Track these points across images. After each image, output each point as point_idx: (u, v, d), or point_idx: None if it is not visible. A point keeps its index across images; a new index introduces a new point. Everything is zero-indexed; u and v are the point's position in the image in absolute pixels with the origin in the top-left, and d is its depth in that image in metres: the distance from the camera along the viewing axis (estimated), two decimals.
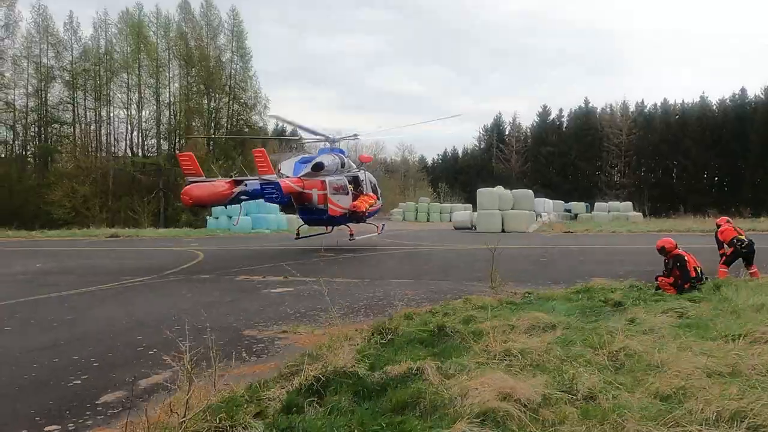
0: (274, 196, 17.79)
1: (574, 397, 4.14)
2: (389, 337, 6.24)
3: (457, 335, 6.15)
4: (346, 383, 4.56)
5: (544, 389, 4.19)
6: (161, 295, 11.42)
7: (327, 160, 20.71)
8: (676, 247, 9.34)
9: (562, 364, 5.01)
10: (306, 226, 22.61)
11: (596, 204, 53.17)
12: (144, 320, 8.63)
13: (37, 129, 57.93)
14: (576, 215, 52.21)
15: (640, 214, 49.22)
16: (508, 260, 16.89)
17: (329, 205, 20.04)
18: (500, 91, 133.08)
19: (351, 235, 21.06)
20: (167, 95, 60.83)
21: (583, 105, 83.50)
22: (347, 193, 21.04)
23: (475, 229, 34.95)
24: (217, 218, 37.76)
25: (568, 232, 32.84)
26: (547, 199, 49.69)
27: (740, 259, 10.81)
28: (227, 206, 21.76)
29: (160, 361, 5.78)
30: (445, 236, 30.46)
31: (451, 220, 43.88)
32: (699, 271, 9.17)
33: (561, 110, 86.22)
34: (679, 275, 8.97)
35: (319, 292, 11.82)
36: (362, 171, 23.08)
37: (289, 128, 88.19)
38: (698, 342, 5.63)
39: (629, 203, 52.38)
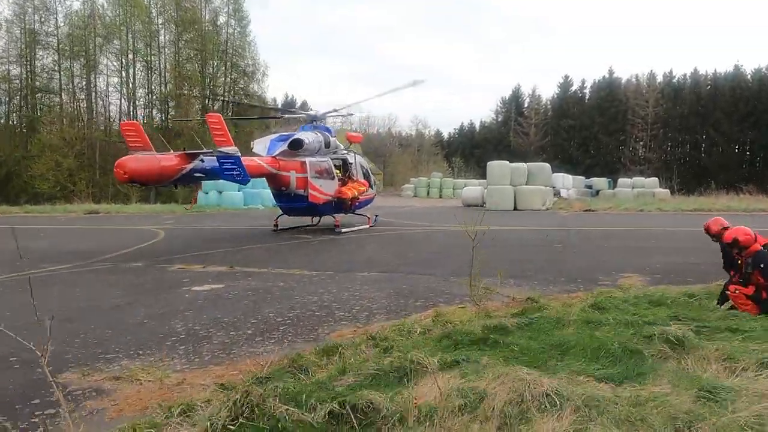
0: (234, 173, 14.38)
1: None
2: (251, 421, 3.26)
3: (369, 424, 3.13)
4: None
5: None
6: (47, 294, 8.65)
7: (308, 137, 17.55)
8: (756, 240, 6.03)
9: None
10: (286, 216, 19.30)
11: (620, 180, 49.62)
12: None
13: (24, 98, 55.01)
14: (598, 192, 48.59)
15: (667, 190, 45.53)
16: (513, 246, 13.88)
17: (310, 190, 16.96)
18: (520, 62, 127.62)
19: (336, 226, 17.92)
20: (159, 62, 57.39)
21: (607, 75, 78.49)
22: (332, 178, 17.91)
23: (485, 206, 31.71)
24: (207, 193, 35.13)
25: (589, 210, 29.50)
26: (566, 174, 46.32)
27: None
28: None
29: None
30: (451, 214, 27.25)
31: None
32: None
33: (583, 81, 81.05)
34: (763, 284, 5.75)
35: (252, 291, 9.04)
36: (352, 153, 19.86)
37: (299, 101, 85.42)
38: None
39: (655, 179, 48.77)
